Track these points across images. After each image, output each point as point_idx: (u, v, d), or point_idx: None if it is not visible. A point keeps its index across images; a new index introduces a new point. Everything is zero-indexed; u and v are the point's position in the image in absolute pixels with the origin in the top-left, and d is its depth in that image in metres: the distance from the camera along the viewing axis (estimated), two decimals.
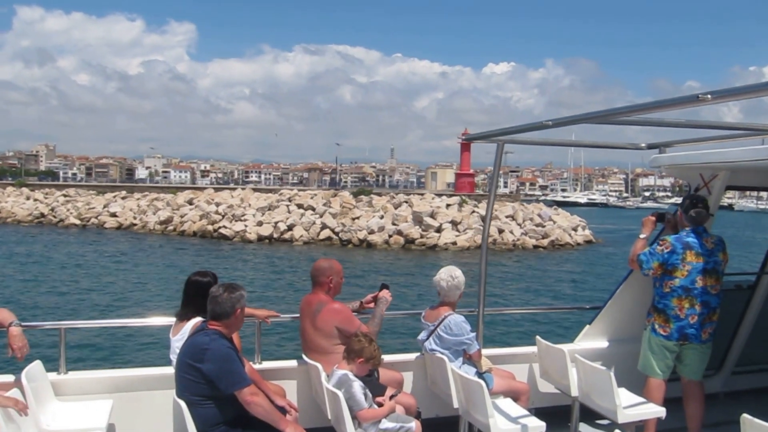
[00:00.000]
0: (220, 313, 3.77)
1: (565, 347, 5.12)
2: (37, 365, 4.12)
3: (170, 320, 4.59)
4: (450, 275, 4.85)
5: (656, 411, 4.60)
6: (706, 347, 4.81)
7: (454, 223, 44.01)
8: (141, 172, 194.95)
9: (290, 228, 45.28)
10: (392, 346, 12.55)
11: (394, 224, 43.87)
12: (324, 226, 44.85)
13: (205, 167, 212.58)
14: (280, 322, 5.23)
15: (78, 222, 54.64)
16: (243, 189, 58.55)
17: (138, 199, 58.80)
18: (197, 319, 4.21)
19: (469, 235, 42.84)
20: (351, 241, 43.29)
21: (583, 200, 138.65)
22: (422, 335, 4.98)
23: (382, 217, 45.10)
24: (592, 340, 5.67)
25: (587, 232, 49.97)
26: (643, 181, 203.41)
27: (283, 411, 3.98)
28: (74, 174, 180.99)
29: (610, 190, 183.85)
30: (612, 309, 5.65)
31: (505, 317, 17.53)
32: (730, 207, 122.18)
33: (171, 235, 48.39)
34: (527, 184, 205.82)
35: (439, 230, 43.16)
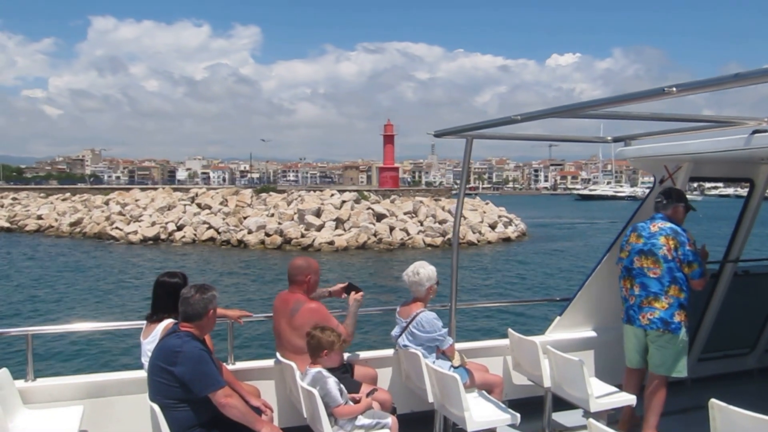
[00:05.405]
0: (192, 314, 3.68)
1: (537, 339, 5.18)
2: (3, 373, 4.04)
3: (140, 323, 4.46)
4: (414, 271, 4.78)
5: (627, 399, 4.63)
6: (664, 341, 4.57)
7: (340, 221, 40.95)
8: (181, 174, 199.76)
9: (180, 228, 43.51)
10: (366, 343, 12.78)
11: (279, 223, 41.34)
12: (210, 226, 42.85)
13: (245, 167, 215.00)
14: (253, 322, 5.16)
15: (8, 225, 54.81)
16: (164, 188, 57.36)
17: (74, 201, 58.65)
18: (168, 321, 4.08)
19: (352, 234, 39.64)
20: (230, 241, 41.08)
21: (610, 193, 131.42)
22: (395, 331, 4.95)
23: (272, 215, 42.67)
24: (563, 331, 5.70)
25: (509, 228, 45.61)
26: None
27: (258, 411, 3.93)
28: (117, 177, 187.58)
29: None
30: (582, 300, 5.68)
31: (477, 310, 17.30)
32: None
33: (77, 237, 47.57)
34: (569, 177, 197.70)
35: (320, 229, 40.27)
